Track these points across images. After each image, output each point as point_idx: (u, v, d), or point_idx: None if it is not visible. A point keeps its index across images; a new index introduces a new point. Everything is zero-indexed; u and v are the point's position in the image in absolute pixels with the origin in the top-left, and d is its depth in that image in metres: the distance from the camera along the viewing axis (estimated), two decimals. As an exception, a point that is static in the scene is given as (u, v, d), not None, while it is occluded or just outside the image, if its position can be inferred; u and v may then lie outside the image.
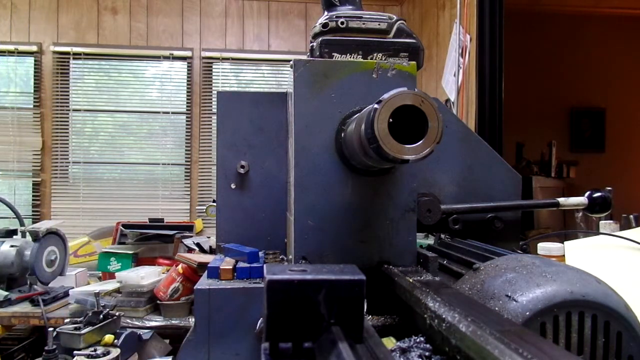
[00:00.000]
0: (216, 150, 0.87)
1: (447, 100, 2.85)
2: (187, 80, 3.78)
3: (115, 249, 2.61)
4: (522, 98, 3.78)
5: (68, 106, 3.72)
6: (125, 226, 2.82)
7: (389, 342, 0.45)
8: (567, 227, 3.13)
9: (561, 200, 0.82)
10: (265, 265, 0.41)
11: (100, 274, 2.58)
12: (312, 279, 0.32)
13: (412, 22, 3.66)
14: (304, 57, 0.61)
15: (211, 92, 3.81)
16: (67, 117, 3.70)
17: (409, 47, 0.63)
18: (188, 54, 3.77)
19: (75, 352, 1.68)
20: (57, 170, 3.65)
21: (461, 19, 2.72)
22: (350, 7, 0.65)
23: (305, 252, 0.57)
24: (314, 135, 0.58)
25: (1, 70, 3.66)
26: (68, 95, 3.72)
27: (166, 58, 3.76)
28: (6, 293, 2.16)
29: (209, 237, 2.87)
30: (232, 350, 0.55)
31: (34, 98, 3.66)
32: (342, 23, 0.62)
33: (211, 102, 3.80)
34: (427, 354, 0.41)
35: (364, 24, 0.63)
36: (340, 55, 0.62)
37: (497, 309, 0.42)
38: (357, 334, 0.33)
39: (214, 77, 3.83)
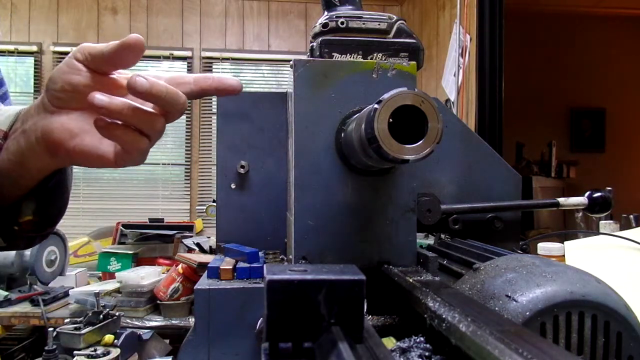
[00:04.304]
0: (216, 150, 0.87)
1: (447, 100, 2.85)
2: (187, 80, 3.78)
3: (115, 249, 2.62)
4: (522, 98, 3.78)
5: (68, 106, 3.71)
6: (125, 226, 2.82)
7: (389, 342, 0.45)
8: (567, 227, 3.13)
9: (561, 200, 0.82)
10: (265, 265, 0.41)
11: (100, 274, 2.58)
12: (312, 279, 0.32)
13: (412, 22, 3.66)
14: (304, 57, 0.61)
15: (211, 92, 3.81)
16: (67, 117, 3.70)
17: (409, 47, 0.63)
18: (188, 54, 3.77)
19: (75, 352, 1.68)
20: (57, 170, 3.65)
21: (461, 19, 2.72)
22: (350, 7, 0.65)
23: (305, 252, 0.57)
24: (314, 135, 0.58)
25: (1, 70, 3.65)
26: (68, 95, 3.72)
27: (166, 58, 3.76)
28: (6, 293, 2.16)
29: (209, 237, 2.87)
30: (232, 350, 0.55)
31: (34, 98, 3.66)
32: (342, 23, 0.62)
33: (211, 102, 3.80)
34: (427, 354, 0.41)
35: (364, 24, 0.63)
36: (340, 55, 0.62)
37: (497, 309, 0.42)
38: (357, 334, 0.33)
39: (214, 77, 3.82)
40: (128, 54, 0.46)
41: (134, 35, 0.45)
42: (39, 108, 0.48)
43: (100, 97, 0.43)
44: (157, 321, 2.10)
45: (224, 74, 0.49)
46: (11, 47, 3.61)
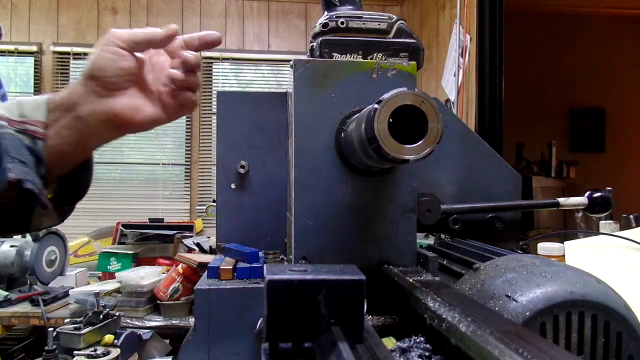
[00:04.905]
0: (216, 150, 0.87)
1: (447, 100, 2.85)
2: (187, 80, 3.78)
3: (115, 249, 2.62)
4: (522, 98, 3.78)
5: (68, 106, 3.71)
6: (125, 226, 2.82)
7: (389, 342, 0.45)
8: (567, 227, 3.12)
9: (561, 200, 0.82)
10: (265, 265, 0.41)
11: (100, 274, 2.58)
12: (312, 279, 0.32)
13: (412, 22, 3.66)
14: (304, 57, 0.61)
15: (211, 92, 3.81)
16: (67, 117, 3.70)
17: (409, 47, 0.63)
18: (188, 54, 3.76)
19: (75, 352, 1.68)
20: (57, 170, 3.65)
21: (461, 19, 2.72)
22: (350, 7, 0.65)
23: (305, 252, 0.57)
24: (314, 135, 0.58)
25: (1, 70, 3.66)
26: (68, 95, 3.72)
27: (166, 58, 3.75)
28: (6, 293, 2.16)
29: (209, 237, 2.87)
30: (232, 350, 0.55)
31: (34, 98, 3.66)
32: (342, 23, 0.62)
33: (211, 102, 3.80)
34: (427, 354, 0.41)
35: (364, 24, 0.63)
36: (340, 55, 0.62)
37: (497, 309, 0.42)
38: (357, 334, 0.33)
39: (214, 77, 3.83)
40: (168, 40, 0.58)
41: (174, 26, 0.58)
42: (86, 95, 0.55)
43: (178, 74, 0.57)
44: (157, 321, 2.09)
45: (204, 32, 0.62)
46: (11, 47, 3.61)
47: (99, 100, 0.55)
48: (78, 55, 3.69)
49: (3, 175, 0.50)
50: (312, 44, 0.64)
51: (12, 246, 2.20)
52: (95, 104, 0.55)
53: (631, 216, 1.41)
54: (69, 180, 0.60)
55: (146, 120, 0.58)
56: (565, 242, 1.09)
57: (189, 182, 3.78)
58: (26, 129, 0.54)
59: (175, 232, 2.75)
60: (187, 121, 3.76)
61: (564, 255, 0.99)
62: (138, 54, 0.58)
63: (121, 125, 0.57)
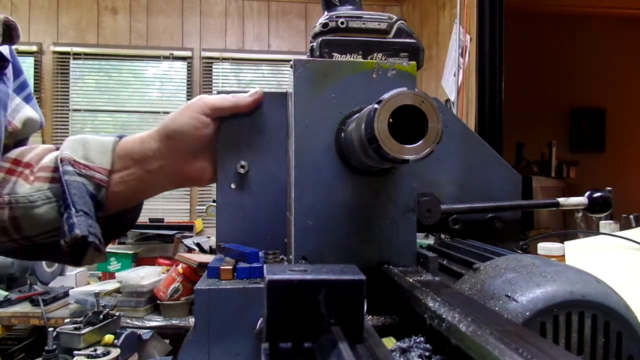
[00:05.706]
0: (216, 150, 0.86)
1: (447, 100, 2.85)
2: (187, 81, 3.78)
3: (115, 249, 2.62)
4: (522, 98, 3.78)
5: (68, 106, 3.72)
6: (125, 226, 2.81)
7: (389, 342, 0.45)
8: (567, 227, 3.12)
9: (561, 200, 0.82)
10: (265, 265, 0.41)
11: (100, 274, 2.59)
12: (312, 279, 0.32)
13: (412, 22, 3.66)
14: (304, 57, 0.61)
15: (211, 92, 3.81)
16: (67, 117, 3.70)
17: (409, 47, 0.63)
18: (188, 54, 3.76)
19: (75, 352, 1.68)
20: (57, 170, 3.64)
21: (461, 19, 2.72)
22: (350, 7, 0.65)
23: (305, 252, 0.57)
24: (314, 135, 0.58)
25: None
26: (68, 95, 3.72)
27: (166, 58, 3.75)
28: (6, 293, 2.16)
29: (209, 237, 2.87)
30: (232, 350, 0.55)
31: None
32: (342, 23, 0.62)
33: (211, 102, 3.80)
34: (427, 354, 0.41)
35: (364, 24, 0.63)
36: (340, 55, 0.61)
37: (497, 309, 0.42)
38: (357, 334, 0.33)
39: (214, 77, 3.83)
40: (253, 106, 0.62)
41: (259, 91, 0.61)
42: (160, 153, 0.56)
43: None
44: (157, 321, 2.10)
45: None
46: (11, 47, 3.61)
47: (172, 159, 0.56)
48: (78, 55, 3.69)
49: (71, 232, 0.50)
50: (312, 44, 0.64)
51: (12, 246, 2.21)
52: (167, 163, 0.57)
53: (631, 216, 1.41)
54: (115, 218, 0.61)
55: (211, 180, 0.61)
56: (565, 242, 1.09)
57: (189, 182, 3.77)
58: (93, 176, 0.54)
59: (175, 232, 2.75)
60: (187, 121, 3.76)
61: (564, 255, 0.99)
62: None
63: (188, 183, 0.60)
